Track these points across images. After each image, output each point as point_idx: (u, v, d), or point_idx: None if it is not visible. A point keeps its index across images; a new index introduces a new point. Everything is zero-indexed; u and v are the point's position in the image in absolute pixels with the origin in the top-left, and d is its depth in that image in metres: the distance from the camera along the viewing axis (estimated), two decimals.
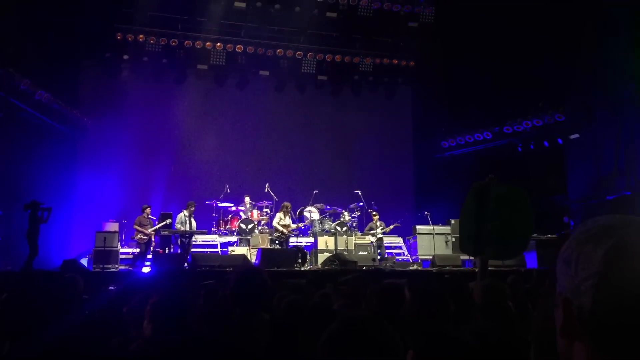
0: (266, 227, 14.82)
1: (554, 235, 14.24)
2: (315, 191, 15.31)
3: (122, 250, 14.02)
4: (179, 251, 13.35)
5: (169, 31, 16.66)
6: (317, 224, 14.99)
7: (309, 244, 14.93)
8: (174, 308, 2.91)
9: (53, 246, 13.05)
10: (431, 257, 14.01)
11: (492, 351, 2.66)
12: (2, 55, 12.69)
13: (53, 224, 11.75)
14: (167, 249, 13.76)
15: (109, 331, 3.28)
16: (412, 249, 15.54)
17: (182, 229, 13.53)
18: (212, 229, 15.21)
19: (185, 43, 16.72)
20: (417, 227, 15.35)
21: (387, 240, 15.48)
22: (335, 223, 14.88)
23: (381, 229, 14.70)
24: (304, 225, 15.09)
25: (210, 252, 14.18)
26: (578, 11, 13.87)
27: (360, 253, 14.35)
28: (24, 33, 12.92)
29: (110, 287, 7.93)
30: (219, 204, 15.31)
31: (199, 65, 17.46)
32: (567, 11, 13.91)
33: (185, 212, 13.71)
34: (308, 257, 13.42)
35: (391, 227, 15.01)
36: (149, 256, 13.55)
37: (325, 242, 14.29)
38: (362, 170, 18.25)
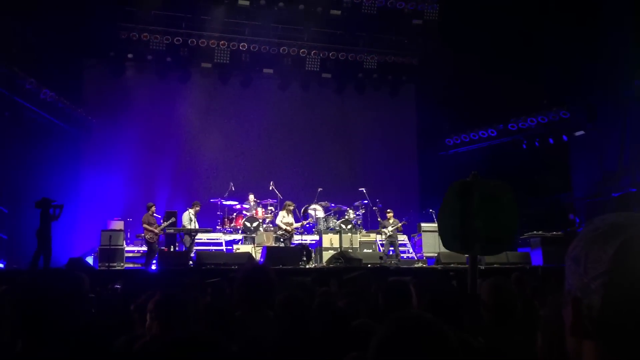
0: (271, 225, 14.82)
1: (559, 233, 14.22)
2: (319, 189, 15.32)
3: (127, 248, 14.03)
4: (184, 249, 13.36)
5: (173, 30, 16.66)
6: (321, 221, 14.99)
7: (314, 242, 14.92)
8: (178, 306, 2.92)
9: (59, 244, 13.08)
10: (436, 255, 13.99)
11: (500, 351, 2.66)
12: (7, 54, 12.74)
13: (58, 222, 11.78)
14: (172, 247, 13.79)
15: (115, 329, 3.30)
16: (417, 246, 15.52)
17: (188, 227, 13.54)
18: (217, 227, 15.22)
19: (189, 41, 16.72)
20: (422, 224, 15.32)
21: None
22: (340, 221, 14.89)
23: (392, 227, 14.66)
24: (308, 223, 15.07)
25: (215, 250, 14.19)
26: (582, 8, 13.81)
27: (365, 251, 14.35)
28: (29, 33, 12.95)
29: (116, 285, 7.97)
30: (224, 202, 15.32)
31: (203, 63, 17.46)
32: (571, 8, 13.85)
33: (192, 211, 13.72)
34: (313, 254, 13.43)
35: (399, 225, 14.96)
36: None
37: (330, 240, 14.29)
38: (367, 168, 18.24)
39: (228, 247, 14.62)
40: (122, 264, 12.94)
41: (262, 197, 15.53)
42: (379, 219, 15.08)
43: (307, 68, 17.89)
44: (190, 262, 12.13)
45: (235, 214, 15.31)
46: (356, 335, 2.71)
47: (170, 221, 13.75)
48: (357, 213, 15.55)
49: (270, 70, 18.06)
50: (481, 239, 4.21)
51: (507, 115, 16.88)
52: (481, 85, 16.35)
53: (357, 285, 4.88)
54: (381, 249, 15.24)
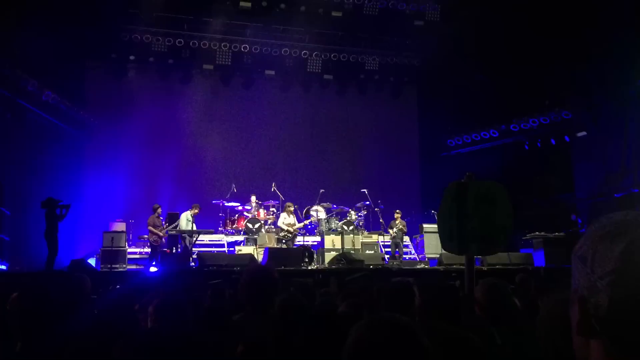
0: (273, 227, 14.82)
1: (561, 234, 14.21)
2: (321, 190, 15.33)
3: (129, 250, 14.04)
4: (185, 250, 13.36)
5: (174, 31, 16.68)
6: (323, 223, 14.98)
7: (316, 243, 14.93)
8: (178, 309, 2.92)
9: (61, 246, 13.08)
10: (438, 256, 13.97)
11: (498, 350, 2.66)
12: (10, 56, 12.77)
13: (61, 224, 11.78)
14: (174, 248, 13.80)
15: (118, 330, 3.29)
16: (419, 247, 15.51)
17: (185, 229, 13.54)
18: (219, 228, 15.23)
19: (191, 43, 16.73)
20: (424, 225, 15.31)
21: None
22: (342, 222, 14.88)
23: (396, 229, 14.66)
24: (310, 223, 15.05)
25: (217, 251, 14.19)
26: (584, 8, 13.79)
27: (367, 252, 14.34)
28: (31, 34, 12.98)
29: (117, 286, 7.98)
30: (226, 204, 15.33)
31: (204, 65, 17.46)
32: (574, 8, 13.84)
33: (190, 213, 13.71)
34: (315, 256, 13.43)
35: (402, 226, 14.94)
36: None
37: (332, 241, 14.27)
38: (369, 169, 18.24)
39: (230, 249, 14.63)
40: (124, 266, 12.95)
41: (264, 198, 15.54)
42: (381, 220, 15.07)
43: (308, 69, 17.90)
44: (192, 264, 12.15)
45: (237, 215, 15.32)
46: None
47: (176, 224, 13.76)
48: (359, 214, 15.54)
49: (272, 72, 18.06)
50: (477, 239, 4.23)
51: (509, 116, 16.87)
52: (483, 86, 16.35)
53: (359, 287, 4.87)
54: (383, 250, 15.24)
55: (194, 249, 13.30)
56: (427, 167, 18.89)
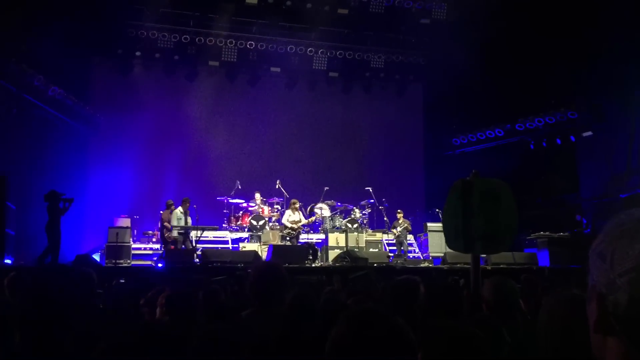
0: (277, 224, 14.83)
1: (566, 234, 14.17)
2: (326, 188, 15.32)
3: (134, 245, 14.07)
4: (189, 247, 13.38)
5: (180, 28, 16.68)
6: (327, 220, 14.99)
7: (320, 241, 14.93)
8: (188, 301, 2.94)
9: (66, 241, 13.13)
10: (442, 255, 13.96)
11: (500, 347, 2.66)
12: (16, 51, 12.80)
13: (66, 219, 11.82)
14: (178, 244, 13.80)
15: (124, 323, 3.31)
16: (423, 246, 15.51)
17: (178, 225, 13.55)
18: (223, 225, 15.25)
19: (197, 39, 16.74)
20: (428, 224, 15.30)
21: None
22: (346, 220, 14.88)
23: (400, 228, 14.66)
24: (315, 220, 15.03)
25: (221, 248, 14.21)
26: (590, 7, 13.74)
27: (371, 250, 14.34)
28: (37, 30, 13.01)
29: (121, 280, 8.01)
30: (230, 201, 15.34)
31: (210, 61, 17.46)
32: (579, 7, 13.79)
33: (181, 209, 13.71)
34: (319, 253, 13.43)
35: (407, 225, 14.93)
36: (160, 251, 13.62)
37: (336, 239, 14.28)
38: (373, 167, 18.21)
39: (234, 245, 14.65)
40: (128, 261, 12.98)
41: (269, 195, 15.55)
42: (385, 219, 15.07)
43: (314, 67, 17.89)
44: (197, 260, 12.17)
45: (241, 212, 15.34)
46: None
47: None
48: (363, 212, 15.54)
49: (278, 69, 18.05)
50: (482, 237, 4.22)
51: (514, 116, 16.82)
52: (488, 85, 16.30)
53: (363, 285, 4.87)
54: (387, 248, 15.25)
55: (198, 245, 13.33)
56: (431, 166, 18.86)
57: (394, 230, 14.72)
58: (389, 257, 13.52)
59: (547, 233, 14.10)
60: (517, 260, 12.50)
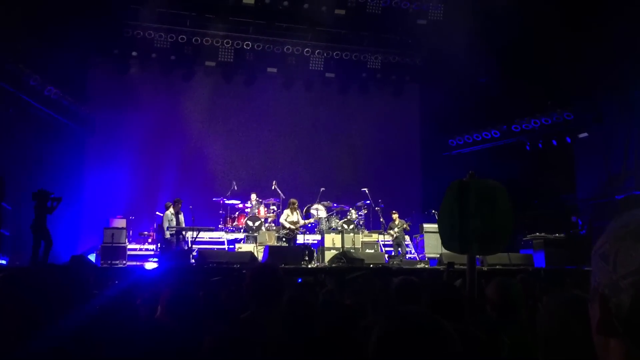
0: (273, 225, 14.82)
1: (562, 235, 14.20)
2: (322, 189, 15.31)
3: (130, 246, 14.04)
4: (185, 247, 13.36)
5: (177, 28, 16.66)
6: (324, 221, 14.98)
7: (316, 242, 14.92)
8: (189, 300, 2.93)
9: (61, 241, 13.09)
10: (438, 256, 13.97)
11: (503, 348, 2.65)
12: (12, 51, 12.75)
13: (61, 220, 11.78)
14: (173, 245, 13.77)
15: (120, 324, 3.29)
16: (419, 247, 15.50)
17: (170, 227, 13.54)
18: (219, 225, 15.23)
19: (193, 40, 16.72)
20: (425, 225, 15.28)
21: None
22: (342, 221, 14.86)
23: (397, 229, 14.66)
24: (312, 223, 15.03)
25: (217, 249, 14.19)
26: (587, 7, 13.77)
27: (367, 251, 14.34)
28: (34, 29, 12.96)
29: (116, 282, 7.96)
30: (226, 201, 15.32)
31: (207, 61, 17.45)
32: (577, 8, 13.81)
33: (172, 210, 13.70)
34: (315, 254, 13.43)
35: (405, 225, 14.93)
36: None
37: (332, 240, 14.27)
38: (370, 168, 18.21)
39: (230, 246, 14.62)
40: (124, 262, 12.94)
41: (265, 196, 15.53)
42: (381, 220, 15.06)
43: (310, 67, 17.89)
44: (192, 260, 12.15)
45: (237, 213, 15.32)
46: (367, 333, 2.69)
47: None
48: (360, 213, 15.53)
49: (274, 70, 18.05)
50: (478, 239, 4.22)
51: (510, 117, 16.83)
52: (485, 86, 16.32)
53: (360, 286, 4.87)
54: (383, 249, 15.24)
55: (194, 246, 13.30)
56: (428, 166, 18.87)
57: (391, 232, 14.71)
58: (390, 257, 13.51)
59: (543, 234, 14.12)
60: (513, 261, 12.51)
